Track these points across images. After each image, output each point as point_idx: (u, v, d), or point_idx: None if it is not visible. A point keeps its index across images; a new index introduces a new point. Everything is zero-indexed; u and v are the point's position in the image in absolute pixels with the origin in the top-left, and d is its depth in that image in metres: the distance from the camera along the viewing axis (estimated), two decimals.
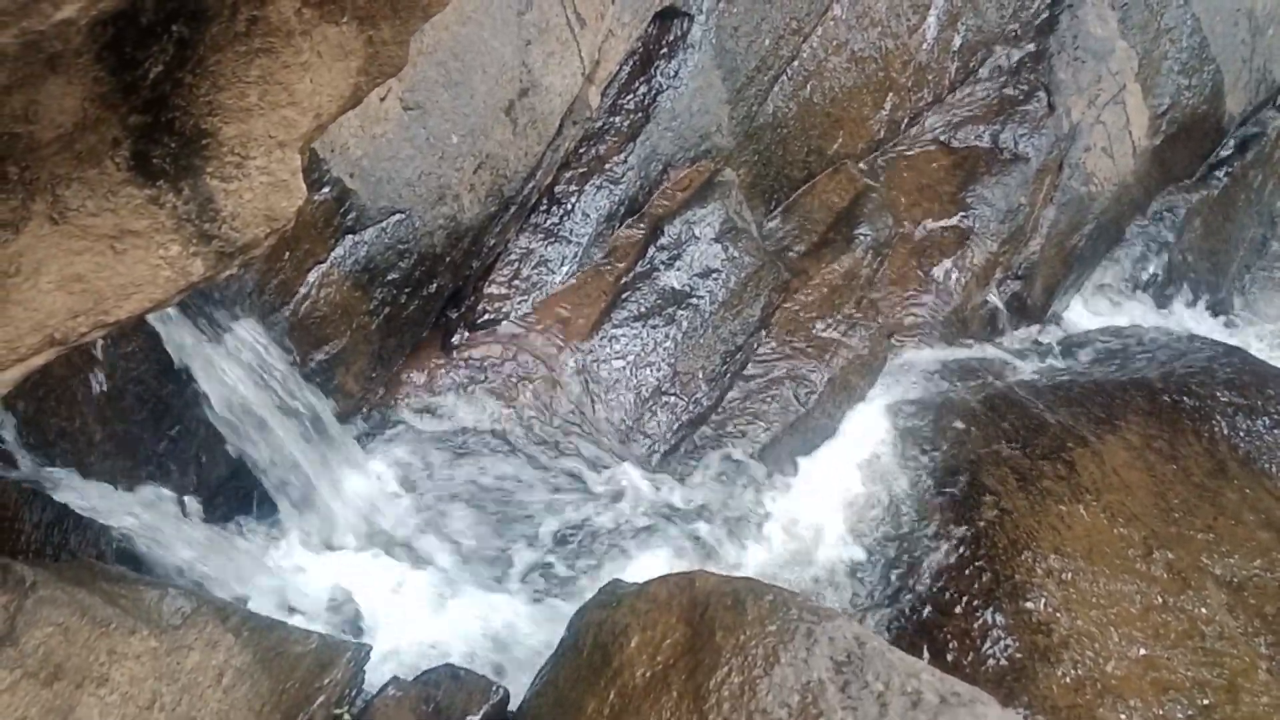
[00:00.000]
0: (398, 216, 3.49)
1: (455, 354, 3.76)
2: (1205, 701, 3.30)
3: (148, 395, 3.00)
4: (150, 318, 2.85)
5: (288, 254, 3.25)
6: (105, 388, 2.90)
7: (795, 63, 4.56)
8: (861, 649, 2.57)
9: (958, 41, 5.03)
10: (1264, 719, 3.29)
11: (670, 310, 4.00)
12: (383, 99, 3.39)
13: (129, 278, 1.73)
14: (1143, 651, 3.38)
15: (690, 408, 3.94)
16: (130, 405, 2.97)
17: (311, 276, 3.34)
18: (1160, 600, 3.53)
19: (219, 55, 1.66)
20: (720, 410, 4.01)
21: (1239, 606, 3.58)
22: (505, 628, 3.27)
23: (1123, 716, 3.22)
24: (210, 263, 1.79)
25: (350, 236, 3.41)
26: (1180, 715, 3.26)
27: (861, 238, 4.51)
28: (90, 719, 2.29)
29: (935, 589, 3.57)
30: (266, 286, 3.23)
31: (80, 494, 2.74)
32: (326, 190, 3.31)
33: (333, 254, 3.38)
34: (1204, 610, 3.52)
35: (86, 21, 1.44)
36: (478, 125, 3.65)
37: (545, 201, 4.00)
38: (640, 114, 4.19)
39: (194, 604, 2.58)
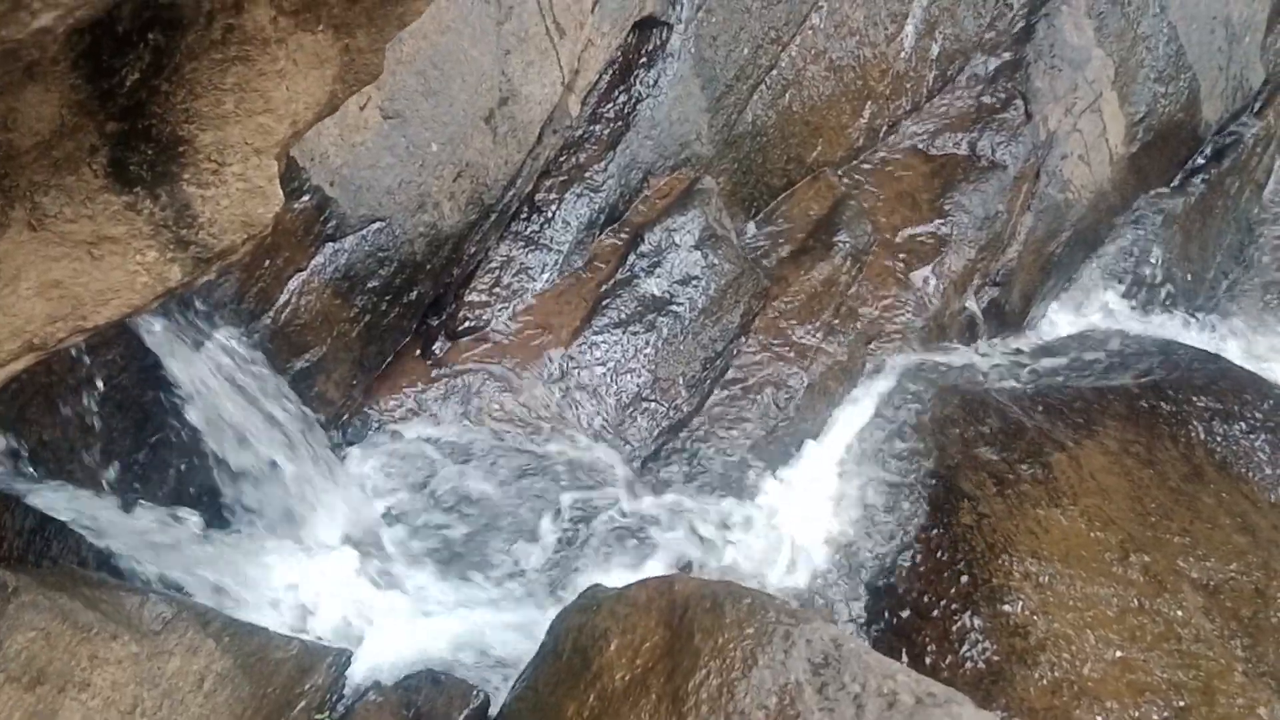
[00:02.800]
0: (378, 224, 3.51)
1: (436, 361, 3.77)
2: (1181, 703, 3.33)
3: (129, 403, 3.01)
4: (134, 325, 2.87)
5: (268, 262, 3.27)
6: (86, 395, 2.90)
7: (774, 71, 4.59)
8: (839, 651, 2.59)
9: (935, 50, 5.07)
10: None
11: (651, 317, 4.03)
12: (362, 107, 3.41)
13: (107, 283, 1.75)
14: (1119, 654, 3.40)
15: (670, 413, 3.96)
16: (111, 413, 2.97)
17: (292, 284, 3.36)
18: (1137, 603, 3.55)
19: (195, 63, 1.68)
20: (700, 416, 4.03)
21: (1215, 609, 3.61)
22: (485, 633, 3.28)
23: (1099, 718, 3.25)
24: (188, 268, 1.80)
25: (330, 244, 3.43)
26: (1156, 717, 3.28)
27: (840, 245, 4.54)
28: None
29: (913, 592, 3.59)
30: (246, 294, 3.24)
31: (61, 502, 2.74)
32: (306, 198, 3.33)
33: (313, 262, 3.40)
34: (1180, 613, 3.55)
35: (63, 30, 1.46)
36: (457, 134, 3.67)
37: (526, 209, 4.03)
38: (620, 122, 4.21)
39: (174, 609, 2.59)
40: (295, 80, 1.80)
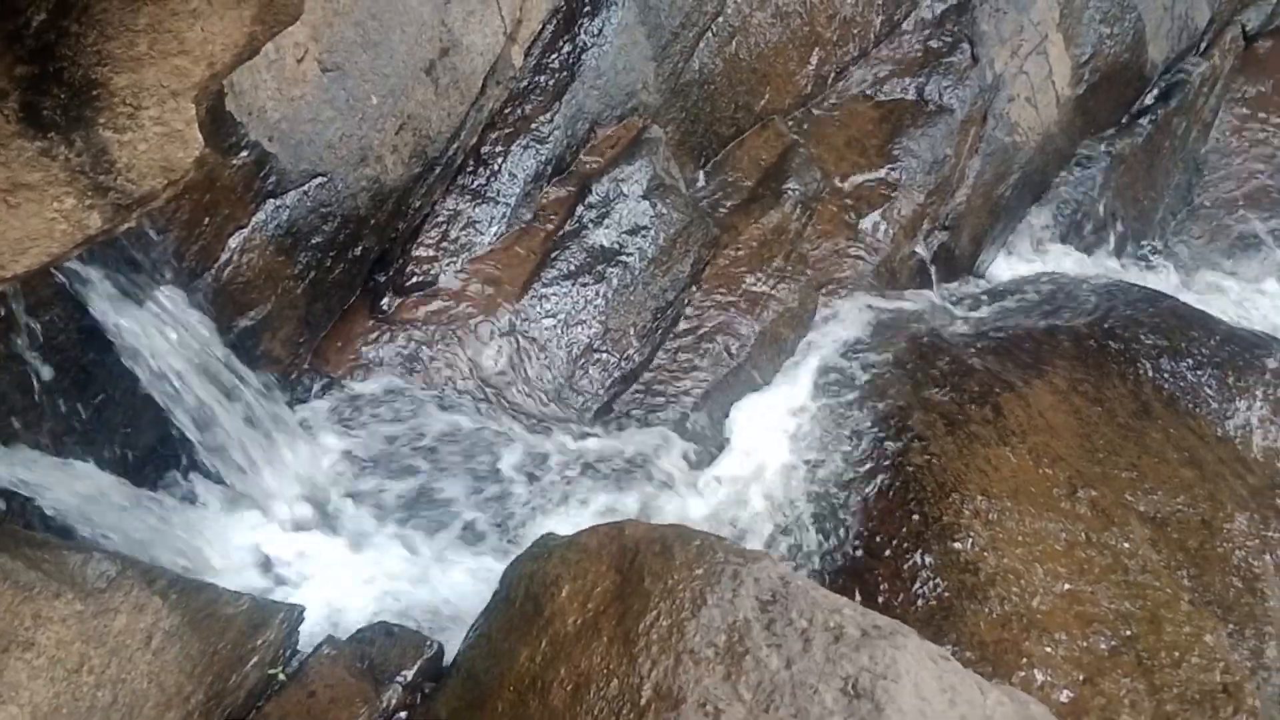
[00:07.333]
0: (319, 179, 3.48)
1: (384, 317, 3.75)
2: (1128, 632, 3.38)
3: (69, 364, 2.98)
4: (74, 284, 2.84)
5: (207, 219, 3.23)
6: (25, 356, 2.87)
7: (720, 19, 4.56)
8: (786, 588, 2.61)
9: None
10: (1185, 648, 3.38)
11: (600, 268, 4.02)
12: (300, 60, 3.37)
13: (24, 231, 1.72)
14: (1067, 586, 3.45)
15: (622, 364, 3.97)
16: (52, 373, 2.94)
17: (233, 241, 3.32)
18: (1085, 537, 3.60)
19: (105, 3, 1.65)
20: (652, 366, 4.03)
21: (1162, 541, 3.67)
22: (439, 584, 3.29)
23: (1048, 649, 3.30)
24: (107, 215, 1.78)
25: (271, 200, 3.39)
26: (1104, 646, 3.34)
27: (790, 192, 4.54)
28: (19, 683, 2.29)
29: (865, 533, 3.62)
30: (187, 252, 3.20)
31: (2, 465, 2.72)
32: (245, 154, 3.29)
33: (254, 218, 3.36)
34: (1127, 545, 3.61)
35: None
36: (398, 86, 3.64)
37: (471, 162, 4.00)
38: (565, 72, 4.18)
39: (119, 567, 2.58)
40: (210, 21, 1.77)
